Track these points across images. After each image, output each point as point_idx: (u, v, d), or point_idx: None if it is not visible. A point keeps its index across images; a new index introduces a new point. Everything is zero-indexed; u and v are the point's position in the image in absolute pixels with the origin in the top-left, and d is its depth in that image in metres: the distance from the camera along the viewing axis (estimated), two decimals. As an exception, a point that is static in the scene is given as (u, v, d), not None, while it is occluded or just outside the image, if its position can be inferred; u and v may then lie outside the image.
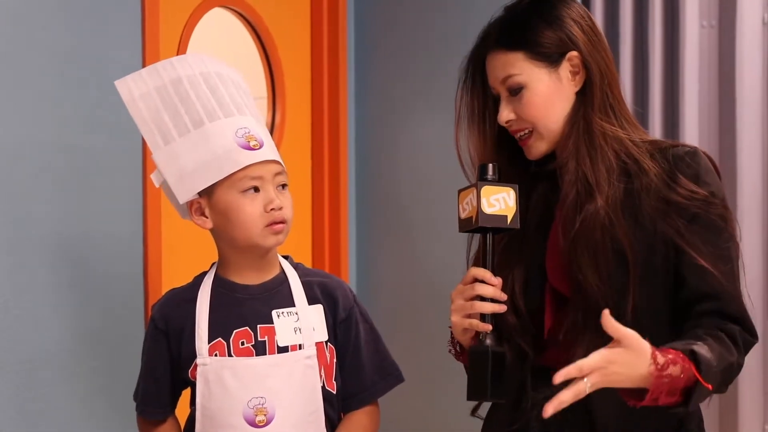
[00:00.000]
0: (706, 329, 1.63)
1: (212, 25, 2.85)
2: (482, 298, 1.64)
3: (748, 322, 1.67)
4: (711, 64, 2.68)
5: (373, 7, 3.19)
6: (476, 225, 1.63)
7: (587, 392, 1.51)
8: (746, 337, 1.66)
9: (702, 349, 1.57)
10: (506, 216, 1.64)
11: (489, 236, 1.66)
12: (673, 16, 2.71)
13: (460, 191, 1.68)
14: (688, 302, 1.67)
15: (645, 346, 1.53)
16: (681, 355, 1.55)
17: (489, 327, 1.64)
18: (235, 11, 2.93)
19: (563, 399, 1.50)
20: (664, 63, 2.72)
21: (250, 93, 1.96)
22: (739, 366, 1.65)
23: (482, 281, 1.65)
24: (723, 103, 2.66)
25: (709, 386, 1.56)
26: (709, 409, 1.88)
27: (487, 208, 1.63)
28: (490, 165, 1.66)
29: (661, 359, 1.54)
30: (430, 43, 3.08)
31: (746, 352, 1.67)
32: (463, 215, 1.67)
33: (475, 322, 1.64)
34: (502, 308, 1.65)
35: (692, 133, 2.67)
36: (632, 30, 2.77)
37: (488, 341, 1.63)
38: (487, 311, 1.64)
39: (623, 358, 1.53)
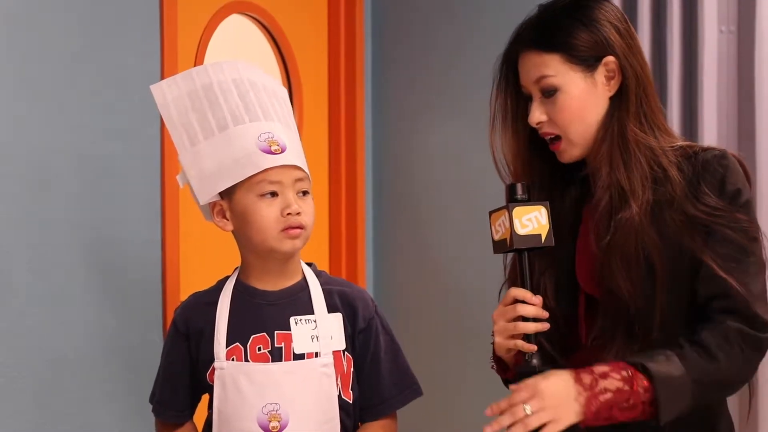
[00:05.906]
0: (696, 334, 1.63)
1: (230, 31, 2.86)
2: (524, 318, 1.64)
3: (759, 318, 1.63)
4: (730, 69, 2.67)
5: (389, 13, 3.19)
6: (511, 247, 1.63)
7: (527, 416, 1.54)
8: (750, 333, 1.62)
9: (659, 361, 1.57)
10: (540, 235, 1.63)
11: (525, 256, 1.65)
12: (692, 21, 2.69)
13: (491, 213, 1.67)
14: (701, 305, 1.66)
15: (563, 372, 1.57)
16: (621, 365, 1.57)
17: (534, 347, 1.63)
18: (253, 18, 2.94)
19: (503, 422, 1.55)
20: (683, 68, 2.71)
21: (289, 101, 1.96)
22: (733, 366, 1.62)
23: (523, 301, 1.64)
24: (742, 108, 2.65)
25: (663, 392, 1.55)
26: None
27: (521, 230, 1.62)
28: (519, 185, 1.66)
29: (586, 378, 1.56)
30: (444, 49, 3.08)
31: (756, 349, 1.63)
32: (496, 237, 1.66)
33: (520, 343, 1.64)
34: (545, 326, 1.64)
35: (711, 138, 2.65)
36: (650, 35, 2.76)
37: (535, 361, 1.63)
38: (530, 331, 1.63)
39: (548, 384, 1.56)
